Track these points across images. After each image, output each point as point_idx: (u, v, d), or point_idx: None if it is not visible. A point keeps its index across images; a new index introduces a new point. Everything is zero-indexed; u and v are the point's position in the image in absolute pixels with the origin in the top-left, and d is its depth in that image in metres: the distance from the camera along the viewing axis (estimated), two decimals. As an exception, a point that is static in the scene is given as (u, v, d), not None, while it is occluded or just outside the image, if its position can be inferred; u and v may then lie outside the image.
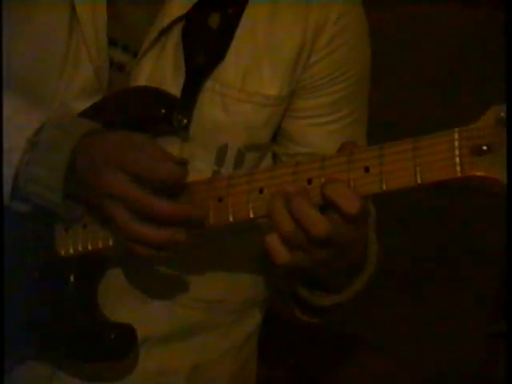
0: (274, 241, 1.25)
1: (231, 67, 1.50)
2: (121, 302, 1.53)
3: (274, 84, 1.51)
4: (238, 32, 1.49)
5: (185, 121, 1.45)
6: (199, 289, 1.58)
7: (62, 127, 1.40)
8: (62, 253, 1.45)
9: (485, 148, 1.17)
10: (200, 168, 1.47)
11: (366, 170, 1.25)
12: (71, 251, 1.44)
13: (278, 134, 1.58)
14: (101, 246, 1.43)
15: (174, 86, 1.48)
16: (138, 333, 1.49)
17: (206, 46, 1.49)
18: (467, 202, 1.87)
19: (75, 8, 1.48)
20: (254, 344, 1.76)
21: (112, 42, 1.51)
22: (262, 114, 1.52)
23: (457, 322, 1.95)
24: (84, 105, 1.49)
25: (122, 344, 1.49)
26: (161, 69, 1.49)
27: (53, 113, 1.46)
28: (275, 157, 1.60)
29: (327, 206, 1.25)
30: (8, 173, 1.40)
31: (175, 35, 1.48)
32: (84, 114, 1.47)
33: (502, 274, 1.89)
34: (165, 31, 1.48)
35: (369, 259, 1.49)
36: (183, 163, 1.35)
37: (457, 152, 1.19)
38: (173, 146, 1.47)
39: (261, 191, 1.31)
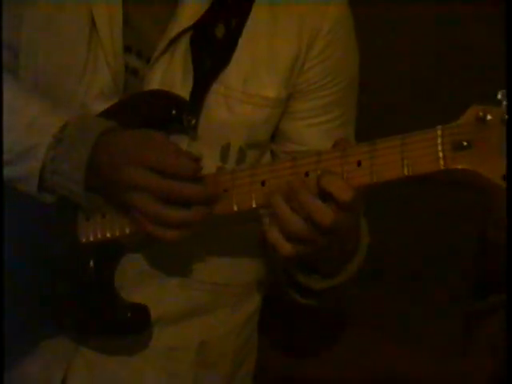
0: (276, 236, 1.30)
1: (234, 72, 1.54)
2: (136, 285, 1.56)
3: (272, 87, 1.55)
4: (241, 41, 1.53)
5: (193, 121, 1.49)
6: (206, 273, 1.61)
7: (83, 126, 1.43)
8: (83, 240, 1.49)
9: (465, 144, 1.21)
10: (206, 164, 1.47)
11: (359, 163, 1.29)
12: (91, 238, 1.48)
13: (276, 134, 1.62)
14: (118, 234, 1.47)
15: (183, 89, 1.51)
16: (151, 312, 1.52)
17: (212, 53, 1.53)
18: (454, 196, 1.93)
19: (94, 19, 1.52)
20: (254, 323, 1.79)
21: (127, 49, 1.54)
22: (261, 114, 1.56)
23: (438, 301, 2.00)
24: (103, 106, 1.52)
25: (138, 321, 1.52)
26: (171, 73, 1.53)
27: (74, 113, 1.48)
28: (273, 154, 1.63)
29: (323, 197, 1.28)
30: (35, 166, 1.42)
31: (184, 43, 1.52)
32: (102, 114, 1.51)
33: (480, 253, 1.99)
34: (174, 40, 1.52)
35: (360, 248, 1.53)
36: (198, 159, 1.38)
37: (440, 147, 1.23)
38: (181, 144, 1.50)
39: (263, 183, 1.36)
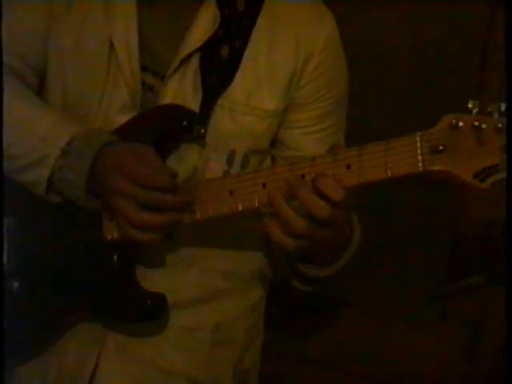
0: (278, 233, 1.35)
1: (238, 88, 1.56)
2: (155, 275, 1.59)
3: (272, 101, 1.58)
4: (244, 60, 1.56)
5: (202, 130, 1.53)
6: (219, 262, 1.65)
7: (87, 140, 1.48)
8: (108, 237, 1.53)
9: (441, 148, 1.26)
10: (214, 168, 1.56)
11: (348, 167, 1.33)
12: (115, 236, 1.51)
13: (275, 141, 1.65)
14: None
15: (193, 103, 1.54)
16: (169, 298, 1.55)
17: (218, 71, 1.55)
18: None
19: (113, 42, 1.56)
20: (261, 309, 1.82)
21: (144, 68, 1.57)
22: (262, 124, 1.59)
23: (418, 284, 2.01)
24: (123, 119, 1.56)
25: (156, 308, 1.56)
26: (183, 89, 1.56)
27: (98, 125, 1.56)
28: (273, 159, 1.67)
29: (319, 196, 1.32)
30: (44, 174, 1.48)
31: (194, 63, 1.55)
32: (123, 126, 1.55)
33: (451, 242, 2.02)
34: (185, 60, 1.55)
35: (353, 240, 1.57)
36: (174, 175, 1.44)
37: (419, 151, 1.27)
38: (192, 151, 1.56)
39: (264, 185, 1.40)
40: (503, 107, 1.23)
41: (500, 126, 1.22)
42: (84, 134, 1.50)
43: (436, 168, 1.27)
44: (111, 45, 1.57)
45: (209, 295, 1.68)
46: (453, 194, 1.91)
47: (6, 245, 1.62)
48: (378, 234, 1.68)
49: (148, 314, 1.58)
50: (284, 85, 1.59)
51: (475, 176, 1.24)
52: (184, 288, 1.64)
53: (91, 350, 1.64)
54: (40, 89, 1.66)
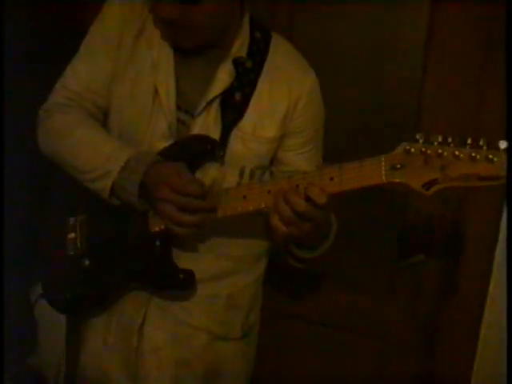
0: (276, 221, 1.45)
1: (247, 122, 1.64)
2: (185, 257, 1.66)
3: (271, 130, 1.66)
4: (251, 102, 1.65)
5: (221, 153, 1.62)
6: (229, 249, 1.73)
7: (138, 160, 1.57)
8: (152, 230, 1.61)
9: (399, 166, 1.35)
10: (229, 180, 1.63)
11: (331, 179, 1.42)
12: (157, 228, 1.60)
13: (274, 160, 1.72)
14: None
15: (214, 133, 1.62)
16: (197, 275, 1.64)
17: (233, 110, 1.64)
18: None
19: (157, 88, 1.64)
20: (261, 282, 1.89)
21: (178, 108, 1.64)
22: (264, 148, 1.67)
23: (376, 260, 2.11)
24: (163, 144, 1.63)
25: (186, 281, 1.64)
26: (207, 124, 1.63)
27: (142, 149, 1.63)
28: (272, 173, 1.73)
29: (307, 200, 1.41)
30: (108, 183, 1.57)
31: (215, 104, 1.63)
32: (163, 151, 1.62)
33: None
34: (210, 102, 1.63)
35: (331, 232, 1.64)
36: (203, 184, 1.52)
37: (383, 168, 1.36)
38: (213, 168, 1.63)
39: (269, 192, 1.50)
40: (440, 138, 1.33)
41: (440, 151, 1.31)
42: (136, 155, 1.57)
43: (395, 180, 1.35)
44: (156, 90, 1.63)
45: (223, 273, 1.74)
46: (399, 198, 1.99)
47: (78, 233, 1.71)
48: (347, 226, 1.73)
49: (180, 285, 1.66)
50: (280, 118, 1.66)
51: (423, 186, 1.33)
52: (205, 268, 1.70)
53: (140, 309, 1.72)
54: (103, 122, 1.73)
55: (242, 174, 1.62)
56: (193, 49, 1.62)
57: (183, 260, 1.65)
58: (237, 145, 1.64)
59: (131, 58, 1.66)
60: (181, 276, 1.63)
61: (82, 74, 1.69)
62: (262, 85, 1.66)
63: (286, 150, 1.71)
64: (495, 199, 1.85)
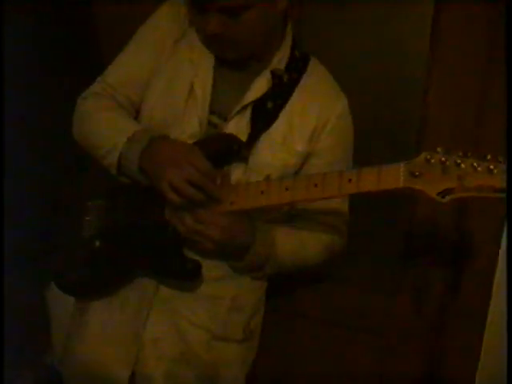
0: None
1: (277, 132, 1.69)
2: (194, 254, 1.69)
3: (300, 144, 1.71)
4: (282, 113, 1.69)
5: (246, 153, 1.65)
6: None
7: (145, 131, 1.63)
8: (167, 217, 1.65)
9: (417, 173, 1.40)
10: None
11: (349, 180, 1.47)
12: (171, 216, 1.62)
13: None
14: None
15: (243, 137, 1.66)
16: (205, 272, 1.67)
17: (263, 117, 1.68)
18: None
19: (193, 85, 1.69)
20: (264, 289, 1.90)
21: (212, 111, 1.69)
22: (292, 159, 1.70)
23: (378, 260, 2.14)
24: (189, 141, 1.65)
25: (194, 271, 1.67)
26: (238, 128, 1.67)
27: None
28: None
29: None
30: (115, 156, 1.63)
31: (248, 110, 1.68)
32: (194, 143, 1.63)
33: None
34: (243, 108, 1.68)
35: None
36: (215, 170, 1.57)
37: (401, 174, 1.41)
38: (238, 171, 1.67)
39: (286, 189, 1.55)
40: (460, 152, 1.39)
41: (458, 162, 1.37)
42: (144, 129, 1.63)
43: (412, 186, 1.41)
44: (191, 88, 1.68)
45: (230, 275, 1.75)
46: (407, 204, 2.02)
47: (95, 217, 1.75)
48: (354, 226, 1.79)
49: (187, 274, 1.68)
50: (308, 135, 1.70)
51: (438, 194, 1.38)
52: (211, 268, 1.71)
53: (144, 300, 1.73)
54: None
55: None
56: (235, 60, 1.67)
57: (192, 256, 1.69)
58: (265, 152, 1.68)
59: (171, 57, 1.72)
60: (189, 265, 1.67)
61: (121, 69, 1.77)
62: (295, 100, 1.71)
63: (311, 169, 1.74)
64: (499, 203, 1.87)
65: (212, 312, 1.76)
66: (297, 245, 1.75)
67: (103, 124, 1.70)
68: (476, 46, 1.92)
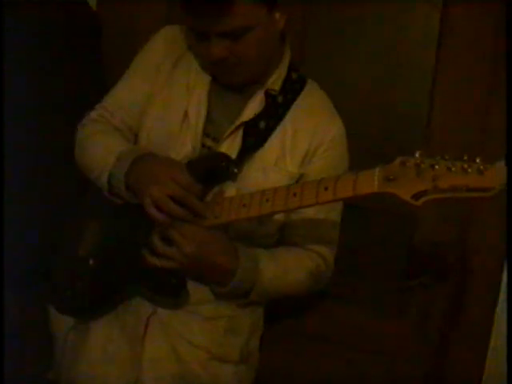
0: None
1: (268, 152, 1.69)
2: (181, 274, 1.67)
3: (292, 166, 1.70)
4: (274, 135, 1.70)
5: (235, 170, 1.63)
6: None
7: (131, 150, 1.66)
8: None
9: (391, 177, 1.38)
10: None
11: (326, 188, 1.47)
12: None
13: None
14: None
15: (233, 154, 1.66)
16: (197, 296, 1.69)
17: (254, 137, 1.69)
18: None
19: (187, 112, 1.71)
20: (261, 312, 1.90)
21: (206, 135, 1.71)
22: (284, 180, 1.68)
23: (382, 280, 2.10)
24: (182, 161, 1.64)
25: (178, 286, 1.68)
26: (231, 148, 1.68)
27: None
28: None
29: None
30: (105, 176, 1.67)
31: (240, 131, 1.68)
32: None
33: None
34: (236, 129, 1.69)
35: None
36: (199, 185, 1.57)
37: (376, 178, 1.40)
38: (230, 190, 1.66)
39: (267, 200, 1.54)
40: (438, 156, 1.36)
41: (433, 164, 1.34)
42: (131, 148, 1.68)
43: (386, 190, 1.39)
44: (186, 114, 1.70)
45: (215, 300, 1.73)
46: (411, 219, 2.01)
47: (90, 235, 1.76)
48: (357, 245, 1.78)
49: (172, 289, 1.68)
50: (301, 157, 1.70)
51: (412, 197, 1.35)
52: (206, 289, 1.72)
53: (142, 321, 1.73)
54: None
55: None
56: (241, 85, 1.68)
57: (183, 279, 1.69)
58: (258, 173, 1.68)
59: (168, 81, 1.74)
60: (173, 281, 1.67)
61: (118, 93, 1.81)
62: (288, 122, 1.71)
63: None
64: (501, 219, 1.84)
65: (209, 332, 1.75)
66: (281, 271, 1.72)
67: (97, 148, 1.74)
68: (481, 58, 1.94)
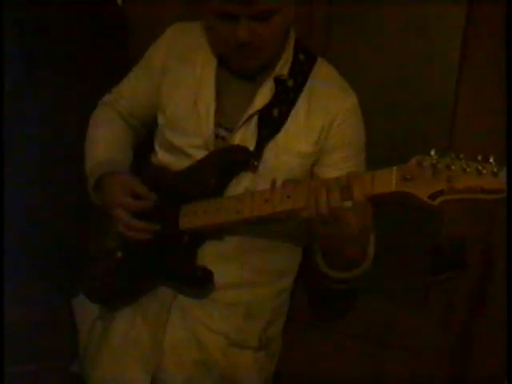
0: (314, 222, 1.50)
1: (282, 136, 1.69)
2: (209, 262, 1.73)
3: (305, 146, 1.71)
4: (288, 120, 1.70)
5: (255, 163, 1.68)
6: (254, 260, 1.77)
7: (92, 172, 1.80)
8: (182, 227, 1.71)
9: (408, 177, 1.39)
10: (262, 188, 1.63)
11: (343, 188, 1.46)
12: (186, 226, 1.71)
13: (313, 176, 1.75)
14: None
15: (251, 145, 1.68)
16: (218, 281, 1.72)
17: (270, 125, 1.69)
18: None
19: (197, 106, 1.73)
20: (286, 297, 1.91)
21: (219, 125, 1.72)
22: (295, 161, 1.70)
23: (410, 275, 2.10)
24: (199, 155, 1.73)
25: (204, 279, 1.72)
26: (245, 138, 1.70)
27: (182, 158, 1.76)
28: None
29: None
30: (92, 182, 1.79)
31: (254, 119, 1.69)
32: (201, 160, 1.72)
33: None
34: (249, 118, 1.69)
35: (367, 258, 1.67)
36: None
37: (394, 178, 1.41)
38: (247, 178, 1.69)
39: (288, 197, 1.55)
40: (453, 154, 1.38)
41: (449, 164, 1.36)
42: (94, 168, 1.81)
43: (403, 189, 1.40)
44: (195, 105, 1.72)
45: (245, 283, 1.78)
46: (434, 217, 2.00)
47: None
48: (384, 244, 1.76)
49: (198, 282, 1.73)
50: (316, 136, 1.71)
51: (429, 197, 1.38)
52: (228, 275, 1.75)
53: (164, 308, 1.78)
54: (144, 128, 1.93)
55: (273, 186, 1.61)
56: (254, 71, 1.70)
57: (207, 265, 1.73)
58: (270, 157, 1.69)
59: (175, 76, 1.78)
60: (198, 273, 1.71)
61: (124, 84, 1.92)
62: (301, 104, 1.71)
63: (323, 166, 1.75)
64: None
65: (228, 318, 1.79)
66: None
67: (93, 143, 1.90)
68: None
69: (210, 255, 1.73)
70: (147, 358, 1.79)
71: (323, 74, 1.76)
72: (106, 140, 1.86)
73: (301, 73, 1.73)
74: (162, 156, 1.82)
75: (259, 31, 1.57)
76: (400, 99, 2.07)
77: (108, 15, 2.16)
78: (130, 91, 1.89)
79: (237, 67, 1.71)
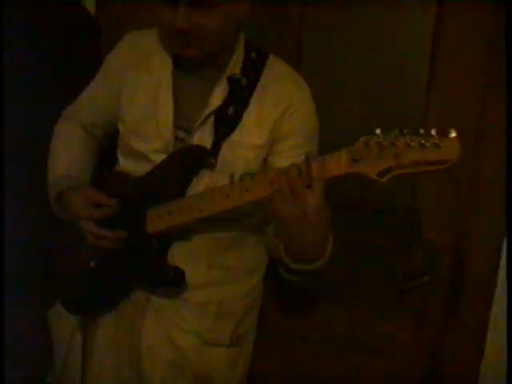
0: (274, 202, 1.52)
1: (237, 133, 1.71)
2: (179, 264, 1.74)
3: (258, 138, 1.72)
4: (243, 116, 1.72)
5: (213, 161, 1.70)
6: (221, 259, 1.80)
7: (53, 186, 1.84)
8: (150, 231, 1.73)
9: (357, 157, 1.43)
10: (222, 184, 1.65)
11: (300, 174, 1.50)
12: (153, 230, 1.73)
13: (266, 165, 1.75)
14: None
15: (208, 144, 1.70)
16: (191, 281, 1.74)
17: (226, 124, 1.71)
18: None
19: (156, 109, 1.74)
20: (257, 293, 1.93)
21: (178, 127, 1.74)
22: (251, 153, 1.72)
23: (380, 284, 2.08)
24: (159, 158, 1.74)
25: (176, 278, 1.74)
26: (203, 138, 1.72)
27: (143, 161, 1.77)
28: None
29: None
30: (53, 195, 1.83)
31: (211, 119, 1.71)
32: (160, 164, 1.74)
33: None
34: (205, 118, 1.72)
35: (327, 250, 1.65)
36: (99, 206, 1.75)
37: (343, 160, 1.45)
38: (206, 176, 1.71)
39: (247, 190, 1.59)
40: (397, 131, 1.41)
41: (394, 141, 1.39)
42: (55, 182, 1.85)
43: (352, 170, 1.44)
44: (154, 110, 1.75)
45: (214, 282, 1.80)
46: (409, 221, 2.02)
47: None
48: (358, 251, 1.78)
49: (170, 281, 1.75)
50: (269, 128, 1.73)
51: (378, 174, 1.41)
52: (197, 275, 1.77)
53: (138, 310, 1.82)
54: (107, 138, 1.94)
55: (232, 180, 1.64)
56: (199, 60, 1.70)
57: (175, 260, 1.76)
58: (226, 152, 1.71)
59: (133, 82, 1.79)
60: (170, 273, 1.73)
61: (84, 94, 1.93)
62: (254, 101, 1.74)
63: (275, 154, 1.76)
64: (498, 223, 1.89)
65: (200, 318, 1.81)
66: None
67: (54, 156, 1.91)
68: (476, 62, 1.93)
69: (179, 256, 1.75)
70: (131, 360, 1.85)
71: (275, 70, 1.77)
72: (65, 154, 1.89)
73: (253, 71, 1.75)
74: (124, 163, 1.84)
75: (199, 20, 1.59)
76: (371, 105, 2.11)
77: (80, 21, 2.17)
78: (90, 101, 1.90)
79: (180, 55, 1.72)
